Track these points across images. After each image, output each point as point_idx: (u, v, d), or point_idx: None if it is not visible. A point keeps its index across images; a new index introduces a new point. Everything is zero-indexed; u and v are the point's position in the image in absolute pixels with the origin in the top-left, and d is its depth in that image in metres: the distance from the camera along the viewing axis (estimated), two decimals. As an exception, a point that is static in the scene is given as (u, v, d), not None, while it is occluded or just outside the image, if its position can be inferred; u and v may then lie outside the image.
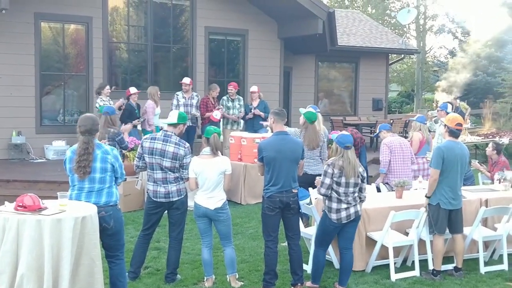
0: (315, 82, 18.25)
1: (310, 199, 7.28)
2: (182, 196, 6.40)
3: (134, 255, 6.55)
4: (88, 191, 5.40)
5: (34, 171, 11.35)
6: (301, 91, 17.89)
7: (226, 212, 6.38)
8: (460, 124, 6.76)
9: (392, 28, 32.57)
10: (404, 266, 7.22)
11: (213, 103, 12.21)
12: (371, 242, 6.99)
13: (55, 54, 13.67)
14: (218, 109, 12.08)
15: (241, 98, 12.85)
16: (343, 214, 6.10)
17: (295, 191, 6.17)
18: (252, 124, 12.67)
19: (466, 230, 7.22)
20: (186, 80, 12.26)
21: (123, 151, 9.32)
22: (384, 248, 6.89)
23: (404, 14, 19.82)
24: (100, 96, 11.56)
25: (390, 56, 20.30)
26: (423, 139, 9.36)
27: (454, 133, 6.77)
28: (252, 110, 12.61)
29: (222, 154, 6.53)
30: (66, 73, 13.77)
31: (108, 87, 11.80)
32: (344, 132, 8.89)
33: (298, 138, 7.49)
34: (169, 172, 6.29)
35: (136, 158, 6.47)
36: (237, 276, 6.49)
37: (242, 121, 12.96)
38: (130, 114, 11.40)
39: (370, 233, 7.01)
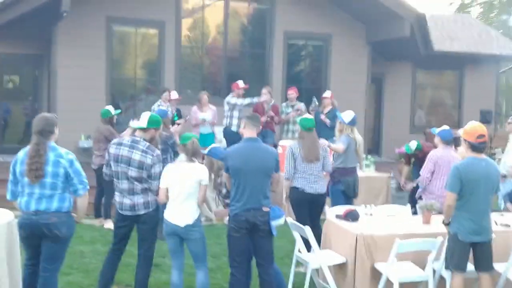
0: (412, 91, 16.82)
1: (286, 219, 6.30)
2: (151, 210, 5.76)
3: (102, 272, 5.97)
4: (38, 197, 4.99)
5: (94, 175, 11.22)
6: (395, 100, 16.57)
7: (198, 230, 5.65)
8: (482, 136, 5.48)
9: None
10: (421, 306, 6.04)
11: (264, 109, 11.31)
12: (378, 275, 5.91)
13: (126, 58, 13.61)
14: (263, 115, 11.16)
15: (301, 103, 11.86)
16: None
17: (265, 209, 5.28)
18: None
19: (501, 267, 5.92)
20: (241, 83, 11.50)
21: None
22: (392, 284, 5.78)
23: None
24: (159, 100, 11.17)
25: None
26: None
27: (476, 148, 5.51)
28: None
29: (200, 162, 5.82)
30: (137, 77, 13.66)
31: (167, 92, 11.41)
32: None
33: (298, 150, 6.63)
34: (136, 183, 5.68)
35: (104, 165, 5.93)
36: (208, 304, 5.71)
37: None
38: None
39: (377, 263, 5.92)
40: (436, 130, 7.67)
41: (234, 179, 5.33)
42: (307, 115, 7.47)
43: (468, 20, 18.77)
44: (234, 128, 11.22)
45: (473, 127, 5.60)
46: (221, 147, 5.75)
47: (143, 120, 5.81)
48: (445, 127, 7.70)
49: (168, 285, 6.21)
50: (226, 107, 11.30)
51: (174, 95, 11.42)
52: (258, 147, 5.46)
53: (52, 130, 5.12)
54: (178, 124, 10.45)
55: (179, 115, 11.31)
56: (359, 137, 7.98)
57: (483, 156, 5.59)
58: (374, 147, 16.34)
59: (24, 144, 5.21)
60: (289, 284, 6.29)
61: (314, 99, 11.79)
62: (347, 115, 7.94)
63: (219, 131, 11.54)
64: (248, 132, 5.50)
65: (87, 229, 8.74)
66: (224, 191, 5.92)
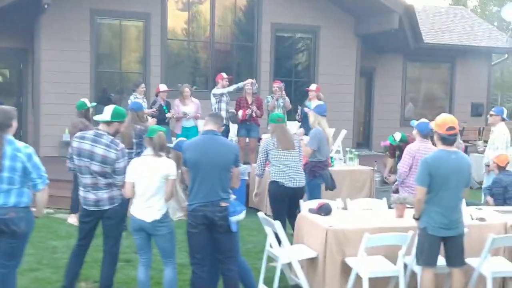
0: (403, 83, 16.67)
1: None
2: (116, 205, 5.63)
3: (68, 268, 5.86)
4: None
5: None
6: (386, 93, 16.42)
7: (166, 225, 5.52)
8: (452, 128, 5.35)
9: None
10: (393, 302, 5.91)
11: (247, 102, 11.11)
12: (348, 270, 5.79)
13: (111, 51, 13.48)
14: (247, 108, 10.98)
15: (285, 97, 11.69)
16: None
17: (223, 204, 5.15)
18: (304, 126, 11.50)
19: (475, 261, 5.79)
20: (224, 74, 11.33)
21: None
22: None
23: (509, 9, 17.56)
24: (134, 93, 11.08)
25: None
26: None
27: (445, 140, 5.38)
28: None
29: (168, 156, 5.68)
30: (122, 71, 13.54)
31: (143, 85, 11.28)
32: None
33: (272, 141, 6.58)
34: (99, 177, 5.55)
35: (68, 159, 5.81)
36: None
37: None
38: (158, 112, 10.83)
39: (347, 258, 5.80)
40: (415, 123, 7.53)
41: (191, 172, 5.20)
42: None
43: (461, 13, 18.60)
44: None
45: (443, 119, 5.46)
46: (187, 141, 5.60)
47: (107, 113, 5.66)
48: (424, 120, 7.56)
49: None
50: (213, 100, 11.09)
51: (163, 87, 11.28)
52: (217, 140, 5.32)
53: (9, 124, 4.98)
54: (174, 118, 10.44)
55: (169, 108, 11.19)
56: (328, 130, 7.86)
57: (454, 148, 5.46)
58: (364, 140, 16.22)
59: (14, 137, 5.05)
60: (259, 279, 6.18)
61: (300, 108, 11.68)
62: (314, 103, 7.89)
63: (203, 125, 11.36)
64: (207, 126, 5.39)
65: (64, 224, 8.62)
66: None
